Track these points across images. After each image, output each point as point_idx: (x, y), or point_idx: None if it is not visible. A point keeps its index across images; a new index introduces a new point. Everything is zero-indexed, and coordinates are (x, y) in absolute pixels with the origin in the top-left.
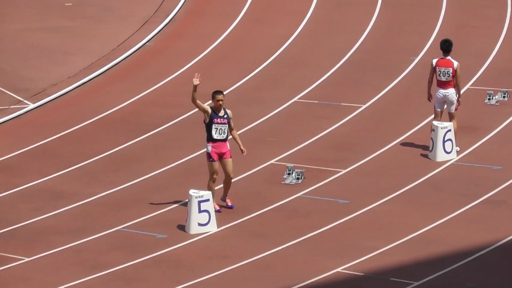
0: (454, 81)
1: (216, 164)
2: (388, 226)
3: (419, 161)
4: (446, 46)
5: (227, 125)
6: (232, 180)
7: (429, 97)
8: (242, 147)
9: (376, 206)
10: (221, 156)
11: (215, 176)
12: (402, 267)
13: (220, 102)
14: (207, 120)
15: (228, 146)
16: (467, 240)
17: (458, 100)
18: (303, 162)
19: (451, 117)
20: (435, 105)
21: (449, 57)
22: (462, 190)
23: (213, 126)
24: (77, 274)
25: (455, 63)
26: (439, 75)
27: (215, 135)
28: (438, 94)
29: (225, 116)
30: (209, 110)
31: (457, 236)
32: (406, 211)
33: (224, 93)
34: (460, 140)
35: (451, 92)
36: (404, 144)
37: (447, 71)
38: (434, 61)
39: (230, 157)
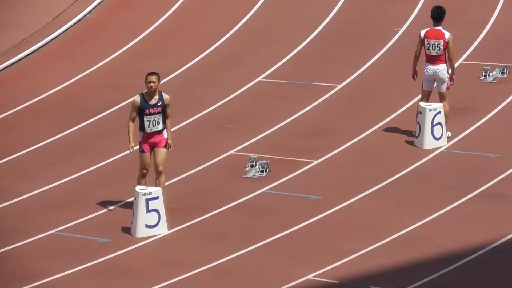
0: (446, 55)
1: (147, 156)
2: (368, 225)
3: (403, 149)
4: (438, 14)
5: (161, 114)
6: (185, 175)
7: (414, 74)
8: (170, 141)
9: (354, 202)
10: (154, 146)
11: (144, 170)
12: (384, 273)
13: (152, 85)
14: (136, 112)
15: (165, 135)
16: (460, 241)
17: (451, 78)
18: (268, 152)
19: (442, 98)
20: (423, 84)
21: (439, 27)
22: (454, 182)
23: (145, 119)
24: (5, 286)
25: (447, 34)
26: (428, 49)
27: (148, 128)
28: (427, 71)
29: (159, 104)
30: (138, 101)
31: (448, 236)
32: (388, 208)
33: (177, 72)
34: (452, 124)
35: (441, 68)
36: (386, 129)
37: (438, 44)
38: (423, 32)
39: (165, 147)
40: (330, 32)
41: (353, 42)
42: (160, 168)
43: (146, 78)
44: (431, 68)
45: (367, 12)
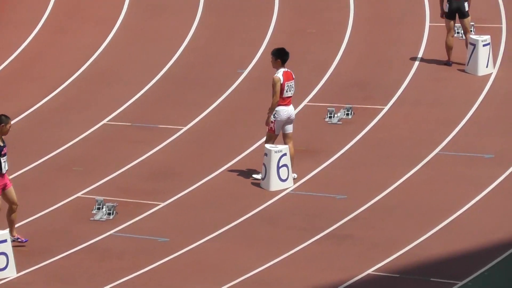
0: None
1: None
2: (216, 267)
3: (250, 191)
4: (286, 55)
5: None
6: (32, 217)
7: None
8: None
9: (202, 244)
10: (4, 188)
11: None
12: None
13: (10, 128)
14: None
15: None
16: (308, 281)
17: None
18: (115, 195)
19: (289, 139)
20: (276, 128)
21: (286, 68)
22: (301, 223)
23: (1, 160)
24: None
25: (292, 74)
26: (286, 91)
27: (4, 169)
28: (283, 114)
29: (4, 144)
30: None
31: (297, 277)
32: (236, 249)
33: (23, 115)
34: (298, 165)
35: (293, 108)
36: (232, 171)
37: (293, 85)
38: (280, 76)
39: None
40: (174, 74)
41: (198, 84)
42: (18, 203)
43: (8, 122)
44: (287, 110)
45: (211, 54)
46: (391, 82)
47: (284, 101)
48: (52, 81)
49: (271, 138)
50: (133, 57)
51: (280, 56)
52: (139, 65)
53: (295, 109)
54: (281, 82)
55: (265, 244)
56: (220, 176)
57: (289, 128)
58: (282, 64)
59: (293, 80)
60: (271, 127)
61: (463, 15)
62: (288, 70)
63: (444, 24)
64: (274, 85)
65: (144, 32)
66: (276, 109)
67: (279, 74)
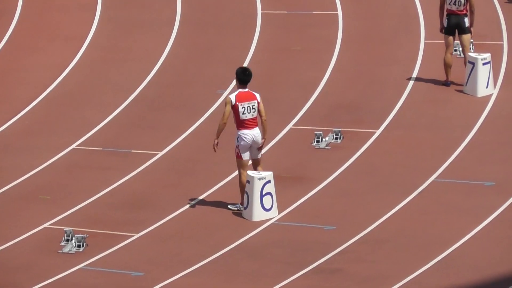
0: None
1: None
2: None
3: (231, 221)
4: (246, 76)
5: None
6: None
7: (217, 144)
8: None
9: (179, 279)
10: None
11: None
12: None
13: None
14: None
15: None
16: None
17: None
18: (85, 226)
19: (259, 166)
20: (242, 154)
21: (247, 89)
22: (286, 257)
23: None
24: None
25: (257, 95)
26: (243, 113)
27: None
28: (246, 138)
29: None
30: None
31: None
32: (216, 285)
33: None
34: (283, 194)
35: (258, 131)
36: (212, 200)
37: (253, 106)
38: (233, 97)
39: None
40: (148, 96)
41: (174, 106)
42: None
43: None
44: (250, 133)
45: (188, 73)
46: (384, 104)
47: (245, 124)
48: (17, 103)
49: (241, 164)
50: (104, 77)
51: (236, 76)
52: (111, 85)
53: (280, 133)
54: (233, 103)
55: (247, 279)
56: (199, 206)
57: (257, 154)
58: (242, 84)
59: (254, 101)
60: (237, 153)
61: (463, 31)
62: (249, 90)
63: (443, 41)
64: (224, 105)
65: (115, 50)
66: (239, 133)
67: (233, 94)
